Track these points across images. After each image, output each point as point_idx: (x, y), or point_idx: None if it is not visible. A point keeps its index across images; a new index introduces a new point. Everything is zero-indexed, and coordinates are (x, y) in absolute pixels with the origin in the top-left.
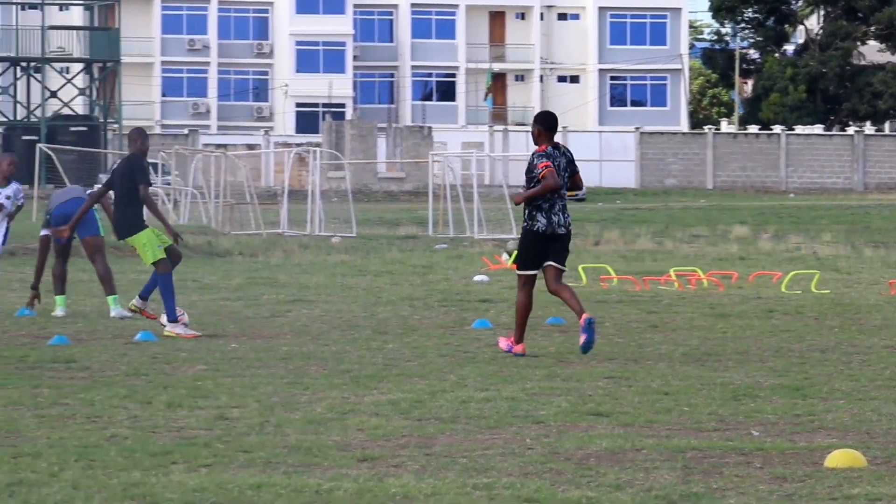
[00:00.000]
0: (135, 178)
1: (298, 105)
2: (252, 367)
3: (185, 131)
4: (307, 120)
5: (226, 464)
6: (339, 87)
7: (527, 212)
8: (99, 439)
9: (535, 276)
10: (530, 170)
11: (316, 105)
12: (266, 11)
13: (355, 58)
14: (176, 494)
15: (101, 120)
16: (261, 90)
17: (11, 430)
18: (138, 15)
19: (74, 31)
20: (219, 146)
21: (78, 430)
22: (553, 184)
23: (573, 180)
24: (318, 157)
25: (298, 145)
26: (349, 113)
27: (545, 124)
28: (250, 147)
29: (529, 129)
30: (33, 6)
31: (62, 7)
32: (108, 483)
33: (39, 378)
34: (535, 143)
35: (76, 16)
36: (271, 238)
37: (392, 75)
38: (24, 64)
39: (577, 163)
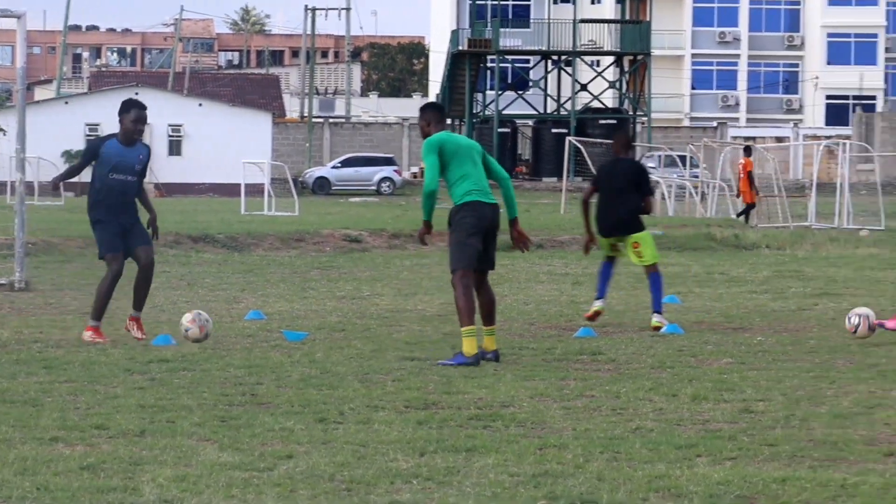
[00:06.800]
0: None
1: (828, 97)
2: (778, 360)
3: (714, 124)
4: (837, 112)
5: (750, 457)
6: (869, 79)
7: None
8: (624, 431)
9: None
10: None
11: (846, 97)
12: (798, 3)
13: (887, 49)
14: (700, 487)
15: (631, 113)
16: (790, 82)
17: (538, 422)
18: (669, 8)
19: (605, 25)
20: (747, 139)
21: (603, 421)
22: None
23: None
24: (848, 149)
25: (828, 138)
26: (880, 105)
27: None
28: (779, 140)
29: None
30: (566, 0)
31: (594, 0)
32: (632, 475)
33: (566, 370)
34: None
35: (607, 9)
36: (798, 231)
37: None
38: (555, 57)
39: None
